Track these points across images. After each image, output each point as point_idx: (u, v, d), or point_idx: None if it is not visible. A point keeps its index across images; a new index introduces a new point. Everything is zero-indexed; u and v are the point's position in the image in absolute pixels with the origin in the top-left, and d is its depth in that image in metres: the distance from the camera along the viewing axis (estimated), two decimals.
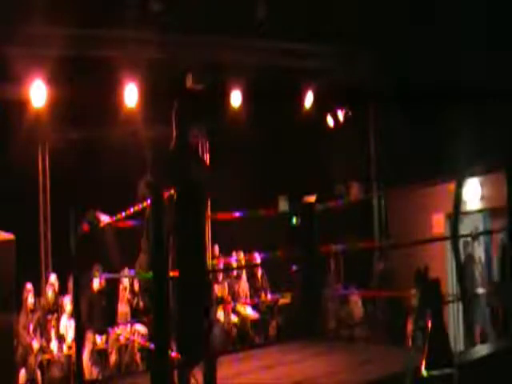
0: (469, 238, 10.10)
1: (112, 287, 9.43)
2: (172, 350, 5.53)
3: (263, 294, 10.88)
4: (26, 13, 8.22)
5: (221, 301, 10.32)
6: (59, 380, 8.59)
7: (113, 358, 9.03)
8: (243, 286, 10.74)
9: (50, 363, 8.73)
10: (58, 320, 9.18)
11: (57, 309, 9.28)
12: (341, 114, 11.90)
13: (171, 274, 5.55)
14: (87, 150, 10.37)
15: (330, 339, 9.35)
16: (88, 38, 9.01)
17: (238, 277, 10.82)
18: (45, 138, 10.51)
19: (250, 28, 9.56)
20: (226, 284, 10.58)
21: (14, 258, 7.10)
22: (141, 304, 9.54)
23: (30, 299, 9.01)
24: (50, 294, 9.36)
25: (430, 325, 5.05)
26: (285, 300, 10.83)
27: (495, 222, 9.84)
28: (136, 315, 9.49)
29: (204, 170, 6.24)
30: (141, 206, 6.46)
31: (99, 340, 9.11)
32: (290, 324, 10.40)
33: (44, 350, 8.78)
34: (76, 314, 7.62)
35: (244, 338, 10.18)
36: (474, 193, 10.14)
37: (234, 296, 10.62)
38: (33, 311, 9.04)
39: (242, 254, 10.89)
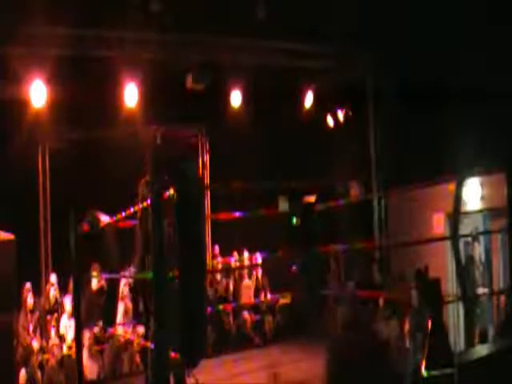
0: (469, 238, 10.09)
1: (112, 287, 9.43)
2: (172, 350, 5.53)
3: (263, 294, 10.87)
4: (26, 13, 8.22)
5: (222, 301, 10.32)
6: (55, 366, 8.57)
7: (112, 357, 9.02)
8: (246, 285, 10.73)
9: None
10: (58, 320, 9.17)
11: (57, 309, 9.27)
12: (341, 114, 11.89)
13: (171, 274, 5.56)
14: (87, 150, 10.37)
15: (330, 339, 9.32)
16: (88, 38, 9.02)
17: (241, 277, 10.79)
18: (45, 138, 10.50)
19: (249, 28, 9.56)
20: (224, 283, 10.58)
21: (14, 258, 7.11)
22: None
23: (30, 299, 9.00)
24: (51, 293, 9.34)
25: (429, 325, 5.04)
26: (285, 300, 10.83)
27: (495, 222, 9.82)
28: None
29: None
30: (141, 205, 6.46)
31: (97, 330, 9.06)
32: (289, 324, 10.40)
33: (44, 349, 8.77)
34: (76, 314, 7.62)
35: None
36: (474, 193, 10.12)
37: (236, 296, 10.62)
38: (33, 311, 9.03)
39: (246, 254, 10.89)
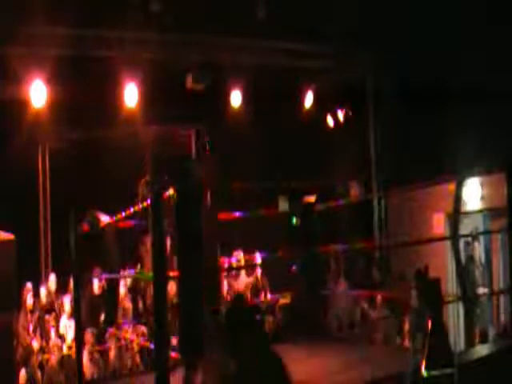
0: (469, 238, 10.09)
1: (112, 287, 9.42)
2: (173, 350, 5.53)
3: (263, 294, 10.86)
4: (26, 13, 8.22)
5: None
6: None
7: (113, 357, 9.01)
8: (242, 282, 10.72)
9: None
10: (58, 320, 9.16)
11: (53, 308, 9.26)
12: (341, 114, 11.90)
13: (172, 274, 5.57)
14: (87, 150, 10.37)
15: (330, 339, 9.34)
16: (88, 38, 9.03)
17: (237, 275, 10.80)
18: (45, 138, 10.50)
19: (249, 28, 9.56)
20: (225, 283, 10.57)
21: (14, 258, 7.11)
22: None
23: (30, 299, 9.00)
24: (44, 293, 9.31)
25: (429, 325, 5.05)
26: (285, 300, 10.82)
27: (495, 222, 9.82)
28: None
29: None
30: (141, 205, 6.47)
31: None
32: (289, 324, 10.38)
33: (44, 349, 8.76)
34: (76, 314, 7.62)
35: None
36: (474, 193, 10.13)
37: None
38: (32, 311, 9.02)
39: (241, 254, 10.89)
